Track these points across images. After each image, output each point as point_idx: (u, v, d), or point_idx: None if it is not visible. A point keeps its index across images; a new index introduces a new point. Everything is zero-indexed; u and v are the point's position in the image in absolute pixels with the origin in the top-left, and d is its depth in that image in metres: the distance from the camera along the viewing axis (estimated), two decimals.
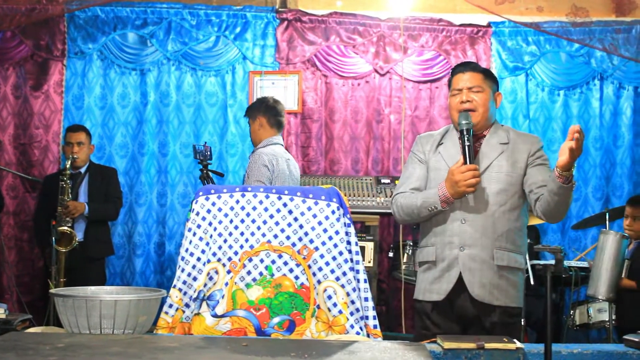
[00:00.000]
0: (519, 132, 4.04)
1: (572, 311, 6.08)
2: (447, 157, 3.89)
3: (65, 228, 6.17)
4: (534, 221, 6.22)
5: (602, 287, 5.01)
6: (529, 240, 5.61)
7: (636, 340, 3.45)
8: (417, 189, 3.91)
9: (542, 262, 5.91)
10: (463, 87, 3.91)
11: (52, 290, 3.21)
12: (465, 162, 3.70)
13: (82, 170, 6.62)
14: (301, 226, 3.40)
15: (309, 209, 3.41)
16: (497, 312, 3.74)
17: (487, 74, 3.99)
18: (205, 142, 6.41)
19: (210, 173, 5.99)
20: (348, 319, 3.28)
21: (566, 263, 6.29)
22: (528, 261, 5.54)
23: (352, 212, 3.81)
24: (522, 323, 5.55)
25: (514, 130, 4.01)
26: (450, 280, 3.76)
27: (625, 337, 3.55)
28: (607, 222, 5.87)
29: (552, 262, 3.31)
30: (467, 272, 3.74)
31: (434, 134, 4.08)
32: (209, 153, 6.03)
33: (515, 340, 3.29)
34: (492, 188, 3.78)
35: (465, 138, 3.73)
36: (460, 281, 3.75)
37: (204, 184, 5.89)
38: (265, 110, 5.77)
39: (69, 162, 6.32)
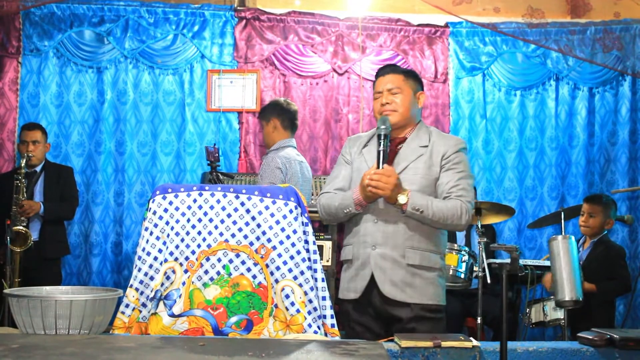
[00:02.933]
0: (442, 134, 4.05)
1: (528, 309, 6.14)
2: (369, 159, 3.92)
3: (20, 228, 6.11)
4: (490, 220, 6.28)
5: (566, 291, 5.05)
6: (485, 239, 5.68)
7: (590, 337, 3.50)
8: (341, 189, 3.97)
9: (497, 260, 5.97)
10: (383, 90, 3.96)
11: (7, 291, 3.17)
12: (378, 167, 3.72)
13: (38, 169, 6.55)
14: (259, 225, 3.40)
15: (267, 208, 3.41)
16: (412, 309, 3.76)
17: (407, 74, 4.03)
18: (215, 144, 6.35)
19: (219, 175, 5.88)
20: (306, 318, 3.29)
21: (522, 262, 6.35)
22: (485, 260, 5.58)
23: (310, 212, 3.81)
24: (479, 321, 5.60)
25: (437, 132, 4.03)
26: (364, 278, 3.81)
27: (579, 334, 3.60)
28: (562, 221, 5.94)
29: (508, 260, 3.34)
30: (378, 270, 3.78)
31: (362, 136, 4.14)
32: (217, 154, 5.94)
33: (471, 338, 3.32)
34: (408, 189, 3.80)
35: (381, 143, 3.75)
36: (372, 279, 3.80)
37: None
38: (279, 113, 5.75)
39: (24, 160, 6.25)
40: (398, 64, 7.48)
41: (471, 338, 3.33)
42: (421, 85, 4.08)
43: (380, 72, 4.06)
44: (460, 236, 6.82)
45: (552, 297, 6.04)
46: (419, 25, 7.59)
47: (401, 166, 3.85)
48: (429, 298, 3.80)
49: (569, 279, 5.06)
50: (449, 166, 3.86)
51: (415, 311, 3.76)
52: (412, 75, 4.05)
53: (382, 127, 3.80)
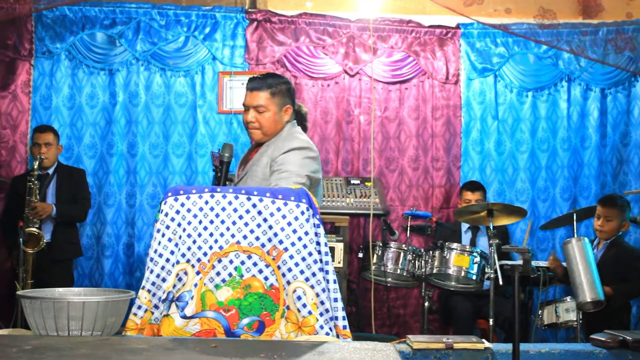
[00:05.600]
0: (287, 137, 4.23)
1: (540, 311, 6.12)
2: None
3: (33, 229, 6.13)
4: (502, 221, 6.26)
5: (586, 291, 5.00)
6: (497, 241, 5.66)
7: (603, 339, 3.49)
8: None
9: (510, 262, 5.95)
10: (249, 105, 4.20)
11: (20, 292, 3.18)
12: None
13: (50, 171, 6.57)
14: (270, 227, 3.40)
15: (278, 209, 3.40)
16: None
17: (275, 91, 4.20)
18: (219, 149, 6.36)
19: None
20: (318, 320, 3.28)
21: (534, 263, 6.33)
22: (497, 261, 5.56)
23: (322, 213, 3.81)
24: (491, 323, 5.59)
25: (285, 136, 4.23)
26: None
27: (592, 336, 3.59)
28: (575, 222, 5.91)
29: (520, 262, 3.34)
30: None
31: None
32: None
33: (483, 340, 3.31)
34: None
35: (222, 169, 4.12)
36: None
37: None
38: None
39: (37, 163, 6.27)
40: (411, 65, 7.50)
41: (483, 340, 3.33)
42: (291, 97, 4.28)
43: (249, 85, 4.24)
44: (466, 238, 6.82)
45: (565, 298, 6.02)
46: (430, 26, 7.58)
47: (246, 170, 4.16)
48: None
49: (587, 280, 5.02)
50: (275, 168, 4.06)
51: None
52: (279, 91, 4.22)
53: (226, 154, 4.12)
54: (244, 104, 4.25)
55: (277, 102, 4.21)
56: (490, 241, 5.69)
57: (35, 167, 6.25)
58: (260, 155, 4.17)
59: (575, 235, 5.59)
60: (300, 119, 5.80)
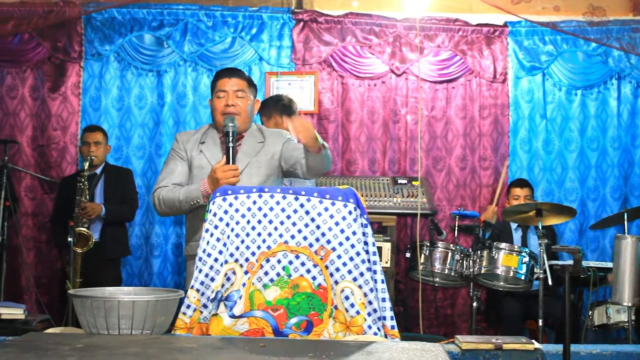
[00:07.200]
0: (269, 130, 4.45)
1: (590, 312, 6.05)
2: (210, 156, 4.27)
3: (83, 229, 6.20)
4: (551, 221, 6.20)
5: (625, 292, 4.95)
6: (546, 241, 5.61)
7: None
8: (179, 185, 4.24)
9: (560, 262, 5.89)
10: (229, 90, 4.25)
11: (71, 291, 3.22)
12: (227, 162, 4.02)
13: (98, 171, 6.65)
14: (318, 227, 3.40)
15: (326, 209, 3.40)
16: None
17: (250, 82, 4.37)
18: None
19: None
20: (365, 320, 3.28)
21: (584, 263, 6.26)
22: (546, 261, 5.51)
23: (369, 213, 3.80)
24: (540, 323, 5.54)
25: (266, 129, 4.42)
26: None
27: None
28: (626, 222, 5.83)
29: (571, 262, 3.30)
30: None
31: (192, 133, 4.44)
32: None
33: (532, 340, 3.28)
34: (254, 181, 4.12)
35: (230, 140, 4.05)
36: None
37: None
38: (281, 110, 5.76)
39: (87, 163, 6.35)
40: (458, 64, 7.45)
41: (533, 340, 3.30)
42: (257, 93, 4.45)
43: (226, 75, 4.34)
44: (517, 237, 6.76)
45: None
46: (477, 25, 7.53)
47: (243, 162, 4.17)
48: None
49: (631, 282, 4.96)
50: (293, 153, 4.19)
51: None
52: (252, 83, 4.41)
53: (230, 124, 4.09)
54: (219, 89, 4.28)
55: (252, 92, 4.37)
56: (540, 241, 5.64)
57: (86, 167, 6.33)
58: (250, 149, 4.25)
59: (627, 234, 5.52)
60: (290, 113, 5.82)
